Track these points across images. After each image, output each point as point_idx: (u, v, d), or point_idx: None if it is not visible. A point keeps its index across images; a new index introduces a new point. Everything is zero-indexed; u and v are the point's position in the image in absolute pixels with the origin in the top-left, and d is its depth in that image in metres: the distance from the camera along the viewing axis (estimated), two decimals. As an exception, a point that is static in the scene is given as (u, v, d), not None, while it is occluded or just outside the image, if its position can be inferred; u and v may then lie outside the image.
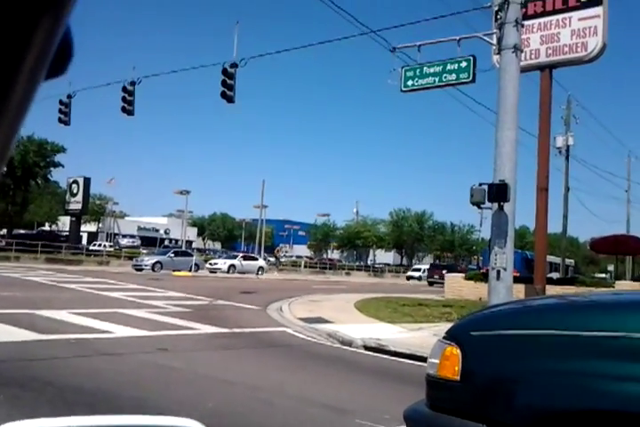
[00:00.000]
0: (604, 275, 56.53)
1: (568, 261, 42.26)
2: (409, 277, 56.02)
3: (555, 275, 32.60)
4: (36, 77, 0.49)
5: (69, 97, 22.62)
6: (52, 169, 56.62)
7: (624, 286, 22.22)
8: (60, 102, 22.70)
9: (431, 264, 59.61)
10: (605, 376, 2.27)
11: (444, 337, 2.92)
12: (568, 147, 32.29)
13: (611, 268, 53.40)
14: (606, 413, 2.22)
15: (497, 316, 3.04)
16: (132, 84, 20.93)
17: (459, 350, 2.71)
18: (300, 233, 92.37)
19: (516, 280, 13.64)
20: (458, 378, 2.66)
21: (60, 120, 22.90)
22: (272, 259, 56.42)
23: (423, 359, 8.72)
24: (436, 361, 2.82)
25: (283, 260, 64.43)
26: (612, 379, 2.25)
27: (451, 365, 2.72)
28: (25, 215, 61.96)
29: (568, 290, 18.86)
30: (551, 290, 18.11)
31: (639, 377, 2.19)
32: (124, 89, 21.01)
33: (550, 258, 30.65)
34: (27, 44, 0.45)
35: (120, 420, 1.24)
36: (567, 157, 32.34)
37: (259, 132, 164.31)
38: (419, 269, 58.66)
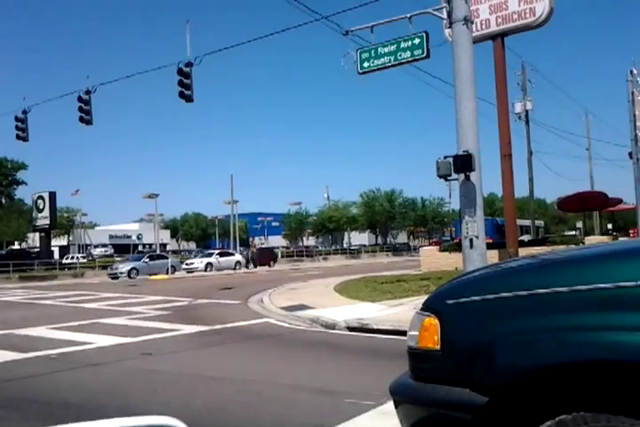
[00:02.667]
0: (573, 232, 57.50)
1: (537, 222, 43.03)
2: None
3: (526, 237, 33.15)
4: None
5: (25, 112, 22.27)
6: (15, 187, 55.39)
7: (593, 240, 22.68)
8: (16, 118, 22.32)
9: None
10: (582, 328, 2.29)
11: (421, 309, 2.91)
12: (527, 112, 32.60)
13: (579, 225, 54.34)
14: (585, 364, 2.25)
15: (470, 282, 3.04)
16: (88, 93, 20.62)
17: (437, 320, 2.71)
18: (274, 224, 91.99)
19: (489, 246, 13.79)
20: (438, 347, 2.66)
21: (17, 136, 22.51)
22: (248, 252, 56.29)
23: (406, 334, 8.80)
24: (416, 333, 2.82)
25: None
26: (588, 330, 2.27)
27: (430, 335, 2.71)
28: (-8, 236, 60.50)
29: (540, 251, 19.16)
30: (524, 252, 18.33)
31: (614, 326, 2.21)
32: (80, 99, 20.70)
33: (520, 221, 31.13)
34: None
35: (96, 425, 1.22)
36: (527, 122, 32.71)
37: (221, 128, 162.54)
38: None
